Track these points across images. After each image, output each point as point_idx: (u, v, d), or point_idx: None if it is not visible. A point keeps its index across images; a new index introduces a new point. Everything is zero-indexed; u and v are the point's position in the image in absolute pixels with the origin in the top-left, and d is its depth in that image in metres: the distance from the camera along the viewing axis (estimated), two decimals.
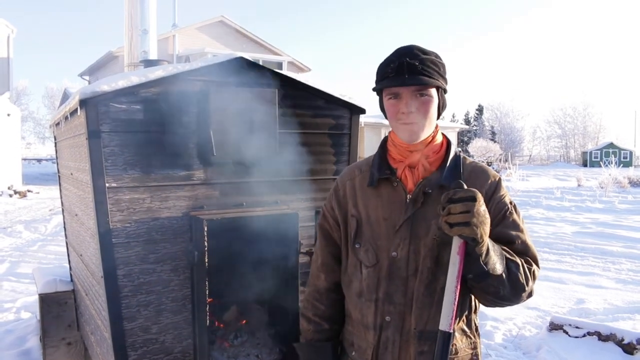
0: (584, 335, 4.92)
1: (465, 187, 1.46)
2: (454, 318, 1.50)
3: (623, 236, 11.30)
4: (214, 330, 3.51)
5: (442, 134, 1.81)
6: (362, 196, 1.82)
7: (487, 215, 1.47)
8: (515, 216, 1.72)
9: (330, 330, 1.94)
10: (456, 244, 1.50)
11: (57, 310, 4.63)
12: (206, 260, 2.90)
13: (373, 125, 36.52)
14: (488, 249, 1.52)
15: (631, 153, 49.77)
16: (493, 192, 1.72)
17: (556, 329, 5.12)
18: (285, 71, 3.41)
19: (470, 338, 1.78)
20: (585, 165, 49.74)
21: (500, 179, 1.77)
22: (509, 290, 1.61)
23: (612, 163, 25.26)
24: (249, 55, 3.21)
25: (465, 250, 1.50)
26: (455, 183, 1.48)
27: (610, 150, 47.37)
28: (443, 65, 1.71)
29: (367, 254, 1.77)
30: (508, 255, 1.62)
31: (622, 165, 31.04)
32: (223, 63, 3.07)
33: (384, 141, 1.83)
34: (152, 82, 2.87)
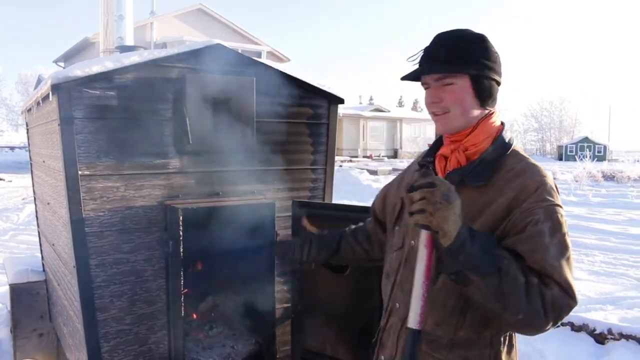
0: (558, 326, 4.98)
1: (434, 175, 1.38)
2: (422, 315, 1.41)
3: (596, 229, 11.48)
4: (189, 321, 3.48)
5: (502, 123, 1.67)
6: (411, 182, 1.81)
7: (449, 204, 1.32)
8: (542, 227, 1.44)
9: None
10: (423, 235, 1.41)
11: (29, 300, 4.54)
12: (181, 250, 2.86)
13: (352, 116, 36.58)
14: (462, 245, 1.35)
15: (605, 147, 50.49)
16: (525, 199, 1.47)
17: None
18: (264, 60, 3.36)
19: (484, 350, 1.60)
20: (560, 159, 50.37)
21: (542, 186, 1.49)
22: (495, 304, 1.40)
23: (586, 157, 25.65)
24: (227, 44, 3.15)
25: (434, 244, 1.40)
26: (423, 172, 1.41)
27: (585, 145, 48.02)
28: (479, 50, 1.58)
29: (399, 238, 1.77)
30: (504, 264, 1.39)
31: (596, 159, 31.50)
32: (200, 49, 3.02)
33: None
34: (127, 68, 2.81)
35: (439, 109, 1.60)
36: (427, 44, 1.62)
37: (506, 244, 1.46)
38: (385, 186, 2.03)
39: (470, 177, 1.56)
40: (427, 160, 1.72)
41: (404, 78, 1.66)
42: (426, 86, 1.64)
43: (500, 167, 1.56)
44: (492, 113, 1.64)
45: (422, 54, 1.62)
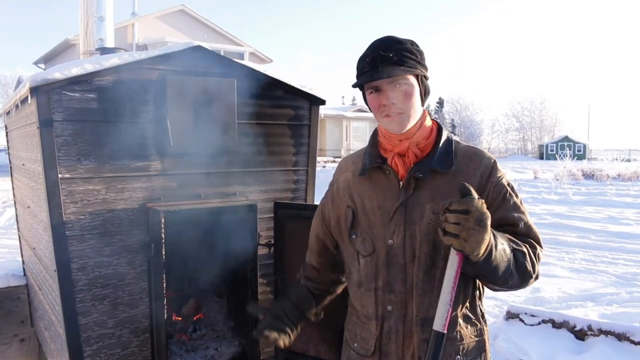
0: (539, 323, 5.05)
1: (473, 192, 1.44)
2: (448, 319, 1.49)
3: (577, 227, 11.64)
4: (172, 324, 3.47)
5: (433, 119, 1.81)
6: (356, 187, 1.83)
7: (482, 228, 1.43)
8: (515, 198, 1.71)
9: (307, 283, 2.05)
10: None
11: (10, 305, 4.49)
12: (163, 253, 2.85)
13: (334, 117, 36.59)
14: (489, 255, 1.49)
15: (585, 146, 51.12)
16: (489, 175, 1.70)
17: (513, 318, 5.24)
18: (246, 61, 3.36)
19: (476, 325, 1.77)
20: (541, 157, 50.89)
21: (495, 161, 1.74)
22: (517, 279, 1.62)
23: (567, 156, 25.99)
24: (209, 45, 3.15)
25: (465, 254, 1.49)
26: (460, 186, 1.45)
27: (565, 144, 48.57)
28: (420, 52, 1.70)
29: (363, 244, 1.77)
30: (515, 246, 1.62)
31: (576, 158, 31.95)
32: (181, 51, 3.01)
33: (375, 133, 1.84)
34: (107, 70, 2.79)
35: (394, 110, 1.67)
36: (366, 51, 1.69)
37: (498, 214, 1.66)
38: (322, 204, 1.99)
39: (439, 164, 1.70)
40: (377, 161, 1.77)
41: (355, 85, 1.71)
42: (372, 91, 1.69)
43: (456, 153, 1.74)
44: (425, 110, 1.79)
45: (370, 60, 1.65)
